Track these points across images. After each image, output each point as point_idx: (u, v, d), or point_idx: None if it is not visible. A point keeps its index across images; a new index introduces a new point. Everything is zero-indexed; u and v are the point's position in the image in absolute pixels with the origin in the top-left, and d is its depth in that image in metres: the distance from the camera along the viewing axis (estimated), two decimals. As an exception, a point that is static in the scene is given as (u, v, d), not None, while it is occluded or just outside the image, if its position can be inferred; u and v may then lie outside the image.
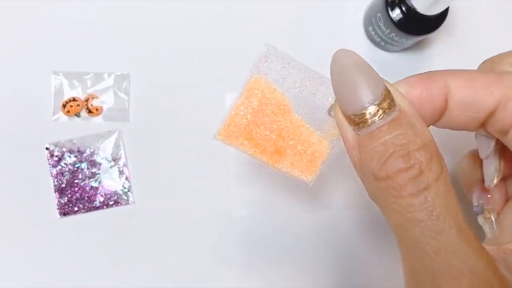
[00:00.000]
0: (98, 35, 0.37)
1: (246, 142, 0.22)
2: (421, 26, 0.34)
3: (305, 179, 0.22)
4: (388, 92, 0.18)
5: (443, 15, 0.34)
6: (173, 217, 0.37)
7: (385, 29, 0.35)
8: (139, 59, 0.37)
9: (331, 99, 0.22)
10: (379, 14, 0.35)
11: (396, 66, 0.39)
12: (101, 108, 0.37)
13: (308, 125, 0.22)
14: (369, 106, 0.18)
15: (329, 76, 0.19)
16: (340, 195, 0.38)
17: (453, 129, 0.23)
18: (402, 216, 0.17)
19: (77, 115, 0.37)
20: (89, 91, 0.37)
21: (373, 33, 0.38)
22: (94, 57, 0.37)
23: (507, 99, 0.20)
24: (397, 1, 0.34)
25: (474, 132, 0.25)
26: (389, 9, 0.34)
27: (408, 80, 0.21)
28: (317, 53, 0.39)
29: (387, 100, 0.18)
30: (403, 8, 0.34)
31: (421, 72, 0.22)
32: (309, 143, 0.22)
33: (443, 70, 0.22)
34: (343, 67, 0.18)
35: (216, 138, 0.23)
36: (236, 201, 0.37)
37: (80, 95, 0.37)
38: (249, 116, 0.22)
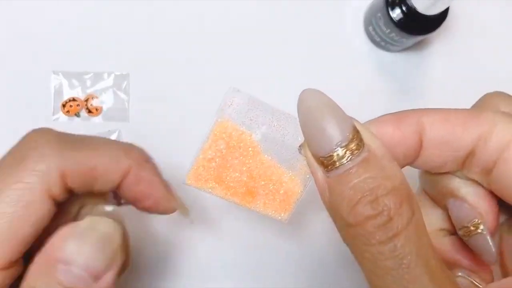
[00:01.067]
0: (98, 35, 0.37)
1: (217, 185, 0.22)
2: (421, 26, 0.34)
3: (279, 217, 0.23)
4: (357, 132, 0.18)
5: (443, 15, 0.34)
6: (173, 216, 0.37)
7: (385, 29, 0.35)
8: (139, 59, 0.37)
9: (300, 139, 0.21)
10: (379, 14, 0.35)
11: (396, 66, 0.39)
12: (101, 108, 0.37)
13: (279, 165, 0.22)
14: (336, 148, 0.17)
15: (296, 115, 0.19)
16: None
17: (432, 171, 0.22)
18: (374, 264, 0.17)
19: (77, 115, 0.37)
20: (89, 91, 0.37)
21: (373, 33, 0.38)
22: (94, 57, 0.37)
23: (487, 135, 0.19)
24: (397, 1, 0.34)
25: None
26: (389, 9, 0.34)
27: (379, 119, 0.21)
28: (317, 53, 0.39)
29: (355, 141, 0.17)
30: (403, 8, 0.34)
31: (394, 112, 0.21)
32: (281, 183, 0.22)
33: (417, 109, 0.21)
34: (309, 108, 0.18)
35: (185, 183, 0.23)
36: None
37: (80, 95, 0.37)
38: (217, 160, 0.22)
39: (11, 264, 0.20)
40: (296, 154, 0.22)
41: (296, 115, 0.19)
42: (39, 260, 0.20)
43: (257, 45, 0.39)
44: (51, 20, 0.37)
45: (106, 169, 0.21)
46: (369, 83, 0.39)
